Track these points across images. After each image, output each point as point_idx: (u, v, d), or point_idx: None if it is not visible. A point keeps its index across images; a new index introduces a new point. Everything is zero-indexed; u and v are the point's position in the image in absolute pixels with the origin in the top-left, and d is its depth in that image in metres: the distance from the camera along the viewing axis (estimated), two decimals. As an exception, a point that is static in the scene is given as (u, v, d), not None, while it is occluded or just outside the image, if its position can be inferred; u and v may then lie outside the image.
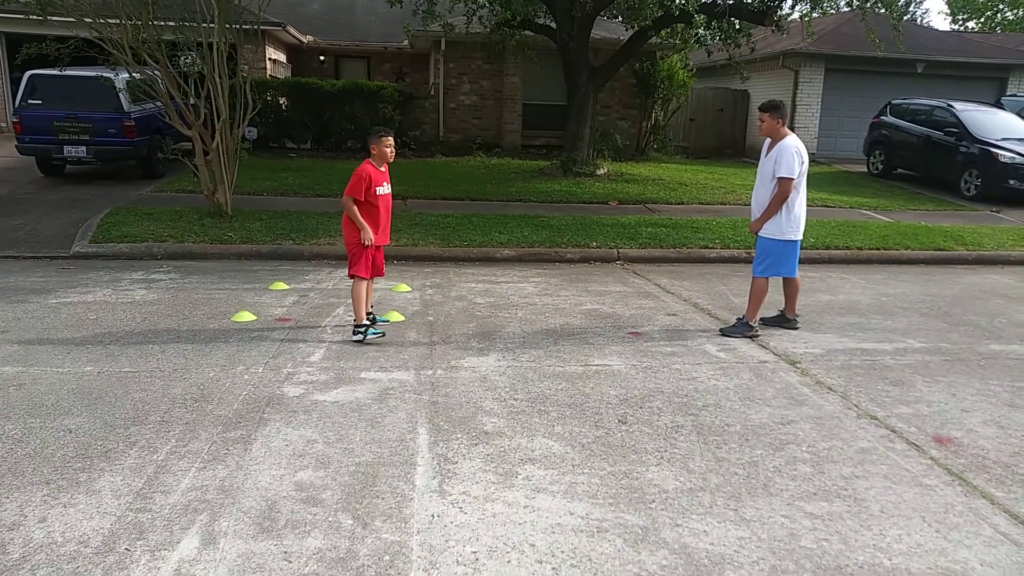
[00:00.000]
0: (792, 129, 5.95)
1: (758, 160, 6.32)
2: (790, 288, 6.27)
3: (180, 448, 3.78)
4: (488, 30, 15.03)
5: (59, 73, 11.25)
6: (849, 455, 3.97)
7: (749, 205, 6.49)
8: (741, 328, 6.06)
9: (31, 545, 2.93)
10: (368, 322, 5.66)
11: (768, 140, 6.00)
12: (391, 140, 5.58)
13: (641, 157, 18.43)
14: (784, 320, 6.34)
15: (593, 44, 15.23)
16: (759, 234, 6.03)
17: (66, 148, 11.93)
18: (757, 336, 6.00)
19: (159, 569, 2.81)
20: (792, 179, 5.77)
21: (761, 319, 6.18)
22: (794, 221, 5.96)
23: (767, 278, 6.04)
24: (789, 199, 5.86)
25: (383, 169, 5.61)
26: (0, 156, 14.38)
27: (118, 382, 4.63)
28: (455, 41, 17.40)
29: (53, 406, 4.24)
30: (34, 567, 2.80)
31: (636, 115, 19.12)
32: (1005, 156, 13.58)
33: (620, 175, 14.88)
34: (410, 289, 7.18)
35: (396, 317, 6.18)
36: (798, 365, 5.38)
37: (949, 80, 19.97)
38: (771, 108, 5.91)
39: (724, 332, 6.08)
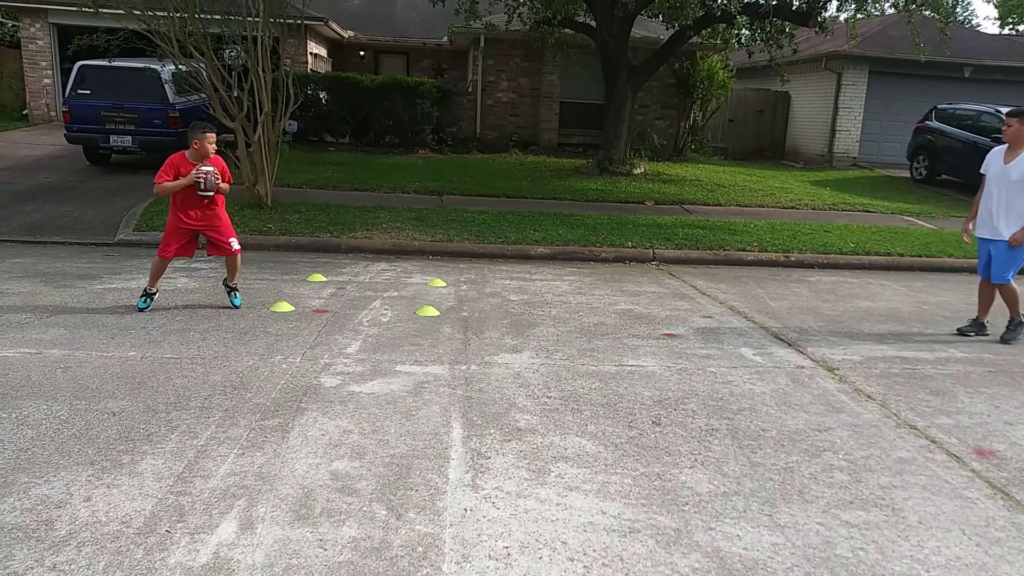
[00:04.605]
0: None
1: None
2: (995, 293, 6.36)
3: (220, 434, 3.85)
4: (528, 28, 15.04)
5: (108, 64, 11.51)
6: (887, 464, 3.91)
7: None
8: (1017, 329, 6.23)
9: (77, 523, 3.02)
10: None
11: (1006, 146, 6.14)
12: (213, 136, 5.84)
13: (678, 157, 18.30)
14: (981, 327, 6.43)
15: (633, 43, 15.15)
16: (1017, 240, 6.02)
17: (112, 137, 12.21)
18: None
19: (198, 551, 2.88)
20: None
21: (958, 329, 6.42)
22: None
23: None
24: None
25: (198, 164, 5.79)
26: (50, 144, 14.77)
27: (160, 367, 4.73)
28: (494, 38, 17.48)
29: (98, 389, 4.36)
30: (80, 544, 2.88)
31: (674, 115, 18.97)
32: (1055, 164, 13.21)
33: (657, 175, 14.79)
34: (445, 284, 7.22)
35: (431, 312, 6.22)
36: (836, 372, 5.31)
37: (998, 85, 19.48)
38: (1020, 115, 6.04)
39: (1005, 340, 6.22)
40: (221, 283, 6.38)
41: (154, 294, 6.03)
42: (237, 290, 6.27)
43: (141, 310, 5.91)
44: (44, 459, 3.51)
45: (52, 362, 4.73)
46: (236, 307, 6.12)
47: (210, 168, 5.80)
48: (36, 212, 9.37)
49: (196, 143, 5.77)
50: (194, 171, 5.73)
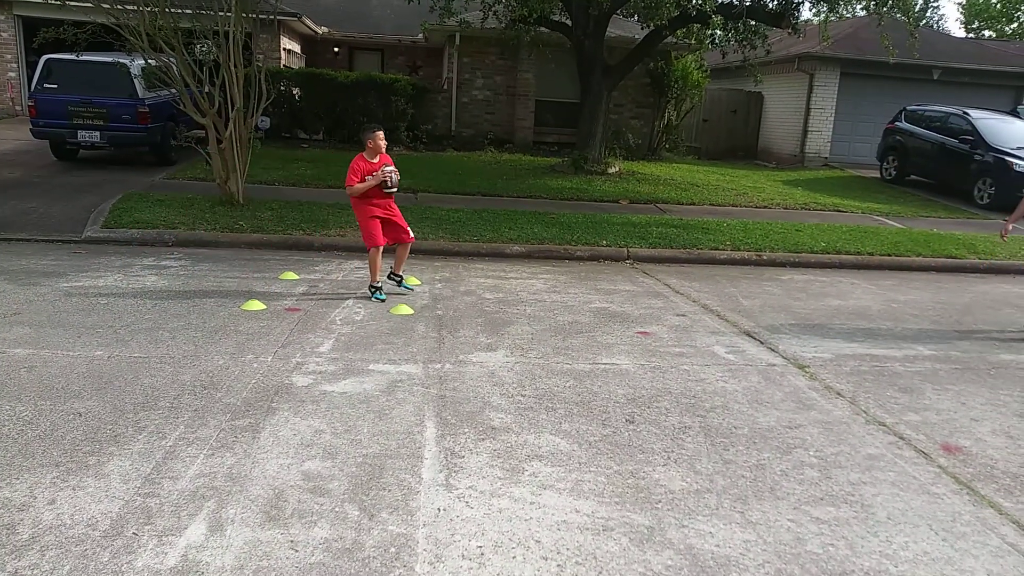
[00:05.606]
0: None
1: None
2: None
3: (189, 434, 3.79)
4: (503, 26, 15.02)
5: (75, 58, 11.29)
6: (857, 461, 3.96)
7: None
8: None
9: (40, 526, 2.95)
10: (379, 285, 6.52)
11: None
12: (382, 133, 6.35)
13: (653, 157, 18.39)
14: None
15: (608, 42, 15.19)
16: None
17: (80, 133, 11.98)
18: None
19: (166, 554, 2.83)
20: None
21: None
22: None
23: None
24: None
25: (375, 160, 6.32)
26: (14, 139, 14.46)
27: (128, 367, 4.65)
28: (470, 36, 17.42)
29: (63, 389, 4.27)
30: (43, 548, 2.82)
31: (649, 114, 19.06)
32: (1020, 165, 13.49)
33: (632, 174, 14.85)
34: (419, 283, 7.18)
35: (405, 310, 6.19)
36: (807, 369, 5.37)
37: (965, 87, 19.83)
38: None
39: None
40: (387, 277, 6.69)
41: (381, 286, 6.51)
42: (402, 277, 6.77)
43: (382, 301, 6.36)
44: (6, 461, 3.43)
45: (16, 361, 4.63)
46: (411, 290, 6.75)
47: (393, 167, 6.33)
48: None
49: (370, 142, 6.29)
50: (380, 171, 6.24)
